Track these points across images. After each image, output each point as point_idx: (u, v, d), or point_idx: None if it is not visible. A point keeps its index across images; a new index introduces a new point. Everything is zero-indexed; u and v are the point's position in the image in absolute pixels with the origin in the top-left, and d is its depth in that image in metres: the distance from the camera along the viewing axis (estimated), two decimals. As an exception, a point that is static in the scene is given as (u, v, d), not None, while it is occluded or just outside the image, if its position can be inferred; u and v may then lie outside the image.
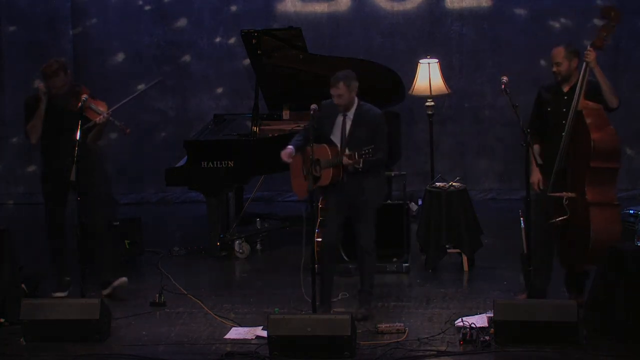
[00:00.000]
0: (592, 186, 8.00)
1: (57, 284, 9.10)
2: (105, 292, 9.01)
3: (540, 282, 8.30)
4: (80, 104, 8.61)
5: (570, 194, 8.06)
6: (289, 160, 8.36)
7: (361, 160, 8.01)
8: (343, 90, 8.19)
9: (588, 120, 7.97)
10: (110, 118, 8.79)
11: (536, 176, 8.24)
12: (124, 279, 9.08)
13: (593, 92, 8.05)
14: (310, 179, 8.16)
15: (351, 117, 8.28)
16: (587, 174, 7.98)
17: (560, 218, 8.08)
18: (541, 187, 8.22)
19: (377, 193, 8.42)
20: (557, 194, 8.09)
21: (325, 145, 8.28)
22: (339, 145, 8.26)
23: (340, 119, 8.29)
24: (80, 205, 8.57)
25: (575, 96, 8.02)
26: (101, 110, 8.79)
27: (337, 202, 8.34)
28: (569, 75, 8.19)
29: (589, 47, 8.01)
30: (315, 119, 8.20)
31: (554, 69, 8.20)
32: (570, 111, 8.03)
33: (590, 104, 8.03)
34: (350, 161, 8.07)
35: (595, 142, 7.92)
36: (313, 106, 8.14)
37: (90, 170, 8.89)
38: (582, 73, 8.03)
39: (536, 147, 8.26)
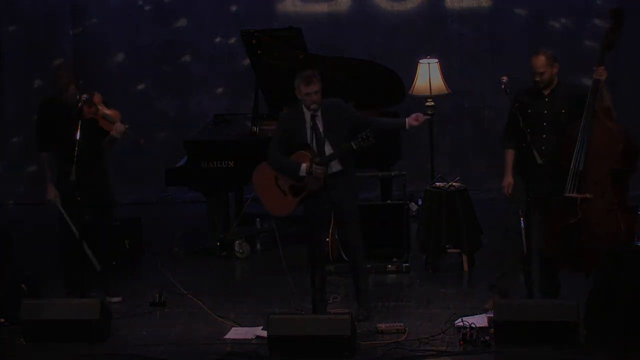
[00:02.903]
0: (616, 188, 8.00)
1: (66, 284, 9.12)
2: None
3: (506, 285, 8.42)
4: (80, 104, 8.55)
5: (588, 195, 8.02)
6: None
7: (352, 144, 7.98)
8: (319, 87, 8.11)
9: (608, 123, 7.99)
10: (125, 131, 8.72)
11: (508, 180, 8.33)
12: (120, 298, 9.07)
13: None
14: (311, 180, 8.06)
15: (320, 115, 8.17)
16: (611, 176, 7.98)
17: (574, 220, 8.04)
18: (511, 191, 8.30)
19: (356, 189, 8.40)
20: (573, 195, 8.06)
21: (302, 151, 8.14)
22: (316, 147, 8.07)
23: (309, 122, 8.14)
24: (90, 207, 8.58)
25: (590, 101, 8.01)
26: (114, 119, 8.74)
27: (319, 205, 8.16)
28: (551, 81, 8.21)
29: (597, 66, 8.01)
30: (285, 125, 8.21)
31: (537, 78, 8.21)
32: (585, 112, 8.00)
33: (604, 104, 8.04)
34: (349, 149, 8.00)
35: (624, 144, 7.94)
36: (313, 106, 8.12)
37: (104, 172, 8.93)
38: (592, 88, 8.01)
39: (510, 152, 8.36)
